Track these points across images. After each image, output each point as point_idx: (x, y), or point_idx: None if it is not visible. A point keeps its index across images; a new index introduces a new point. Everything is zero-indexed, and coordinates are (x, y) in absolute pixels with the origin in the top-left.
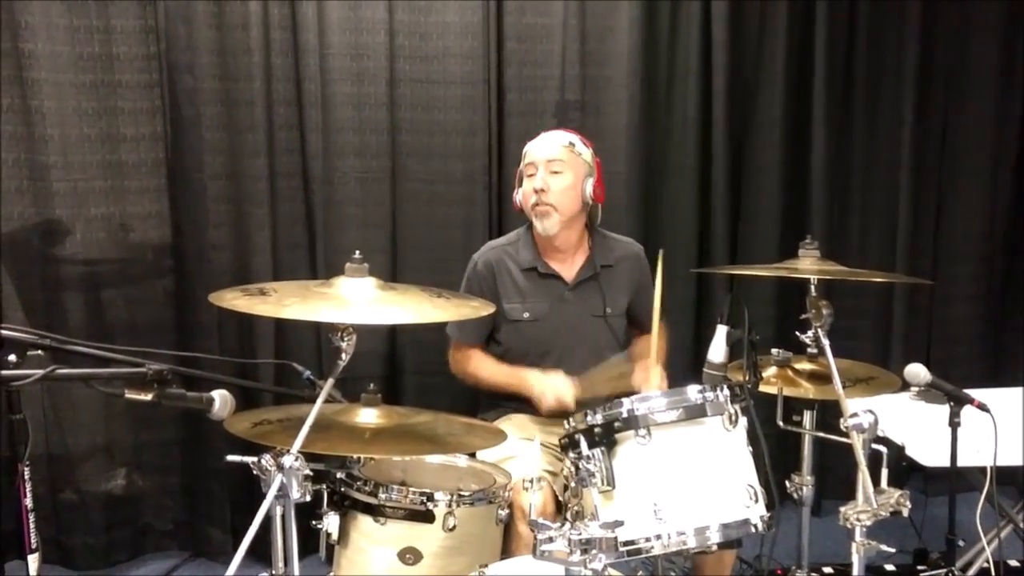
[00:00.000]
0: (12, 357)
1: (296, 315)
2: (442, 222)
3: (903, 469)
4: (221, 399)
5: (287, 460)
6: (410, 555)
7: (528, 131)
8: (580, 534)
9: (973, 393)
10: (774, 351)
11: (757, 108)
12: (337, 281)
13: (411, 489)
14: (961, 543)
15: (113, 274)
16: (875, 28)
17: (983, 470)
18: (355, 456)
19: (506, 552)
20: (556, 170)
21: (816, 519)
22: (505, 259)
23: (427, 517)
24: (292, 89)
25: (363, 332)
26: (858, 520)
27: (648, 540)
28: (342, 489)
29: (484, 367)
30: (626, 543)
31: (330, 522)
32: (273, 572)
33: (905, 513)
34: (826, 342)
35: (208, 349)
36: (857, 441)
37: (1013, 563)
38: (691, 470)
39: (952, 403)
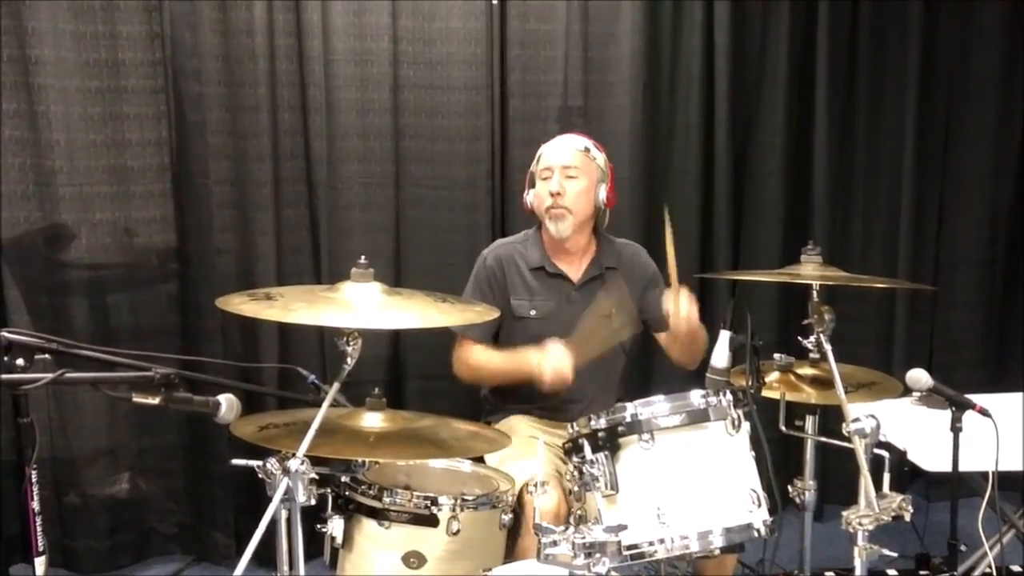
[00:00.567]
0: (20, 361)
1: (303, 320)
2: (446, 227)
3: (905, 474)
4: (227, 403)
5: (293, 464)
6: (414, 559)
7: (531, 137)
8: (584, 538)
9: (975, 398)
10: (776, 356)
11: (759, 113)
12: (343, 286)
13: (415, 493)
14: (963, 548)
15: (118, 278)
16: (877, 33)
17: (985, 475)
18: (359, 460)
19: (513, 556)
20: (572, 175)
21: (818, 524)
22: (515, 256)
23: (431, 521)
24: (297, 95)
25: (367, 336)
26: (860, 525)
27: (651, 544)
28: (346, 493)
29: (485, 356)
30: (629, 547)
31: (334, 526)
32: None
33: (907, 518)
34: (828, 347)
35: (212, 353)
36: (859, 446)
37: (1015, 568)
38: (694, 474)
39: (954, 408)
